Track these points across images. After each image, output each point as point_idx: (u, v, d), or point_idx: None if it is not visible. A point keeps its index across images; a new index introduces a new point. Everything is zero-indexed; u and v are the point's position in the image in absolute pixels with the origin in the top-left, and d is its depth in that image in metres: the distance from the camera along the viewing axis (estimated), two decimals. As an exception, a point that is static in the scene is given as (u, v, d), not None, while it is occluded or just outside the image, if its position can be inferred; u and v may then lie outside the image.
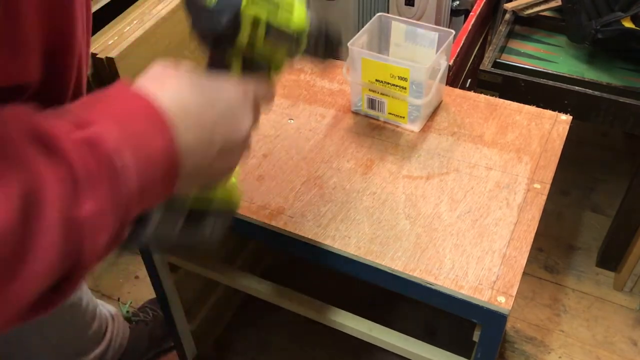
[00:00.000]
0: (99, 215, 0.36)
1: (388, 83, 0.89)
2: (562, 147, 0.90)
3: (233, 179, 0.60)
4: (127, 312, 1.39)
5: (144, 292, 1.51)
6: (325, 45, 0.61)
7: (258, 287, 0.95)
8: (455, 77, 1.29)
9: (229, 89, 0.50)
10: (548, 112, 0.95)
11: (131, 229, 0.44)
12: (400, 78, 0.87)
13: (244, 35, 0.52)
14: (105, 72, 1.25)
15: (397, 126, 0.94)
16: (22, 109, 0.36)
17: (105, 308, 1.26)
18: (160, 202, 0.45)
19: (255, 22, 0.52)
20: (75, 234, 0.35)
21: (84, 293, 1.15)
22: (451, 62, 1.21)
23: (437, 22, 1.83)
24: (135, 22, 1.30)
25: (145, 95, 0.41)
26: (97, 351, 1.21)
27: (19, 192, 0.32)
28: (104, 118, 0.38)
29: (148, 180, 0.40)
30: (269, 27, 0.53)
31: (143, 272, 1.53)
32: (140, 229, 0.51)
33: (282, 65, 0.58)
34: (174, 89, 0.44)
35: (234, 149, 0.50)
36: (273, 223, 0.80)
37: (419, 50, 0.96)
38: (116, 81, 0.42)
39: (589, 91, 1.23)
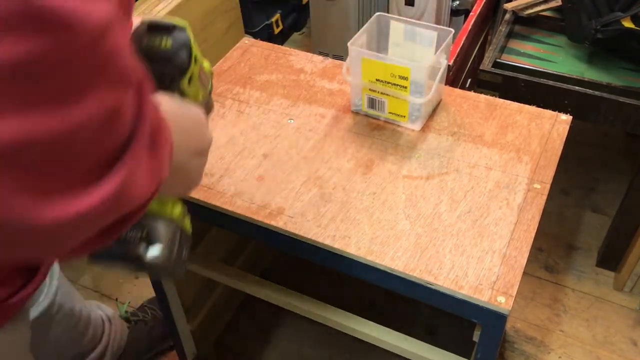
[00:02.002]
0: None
1: (389, 82, 0.89)
2: (562, 147, 0.90)
3: (180, 211, 0.64)
4: (126, 312, 1.38)
5: (144, 292, 1.51)
6: None
7: (258, 287, 0.95)
8: (455, 77, 1.29)
9: (193, 107, 0.61)
10: (548, 112, 0.95)
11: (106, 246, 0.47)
12: (401, 77, 0.87)
13: (196, 66, 0.62)
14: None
15: (397, 126, 0.94)
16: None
17: (102, 311, 1.25)
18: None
19: (195, 59, 0.62)
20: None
21: (76, 302, 1.12)
22: (451, 62, 1.21)
23: (437, 22, 1.83)
24: (135, 22, 1.30)
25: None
26: (93, 355, 1.20)
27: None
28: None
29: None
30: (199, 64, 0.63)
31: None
32: (119, 247, 0.57)
33: (201, 98, 0.66)
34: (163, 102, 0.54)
35: (204, 154, 0.61)
36: (273, 223, 0.80)
37: (418, 49, 0.96)
38: None
39: (589, 91, 1.23)
